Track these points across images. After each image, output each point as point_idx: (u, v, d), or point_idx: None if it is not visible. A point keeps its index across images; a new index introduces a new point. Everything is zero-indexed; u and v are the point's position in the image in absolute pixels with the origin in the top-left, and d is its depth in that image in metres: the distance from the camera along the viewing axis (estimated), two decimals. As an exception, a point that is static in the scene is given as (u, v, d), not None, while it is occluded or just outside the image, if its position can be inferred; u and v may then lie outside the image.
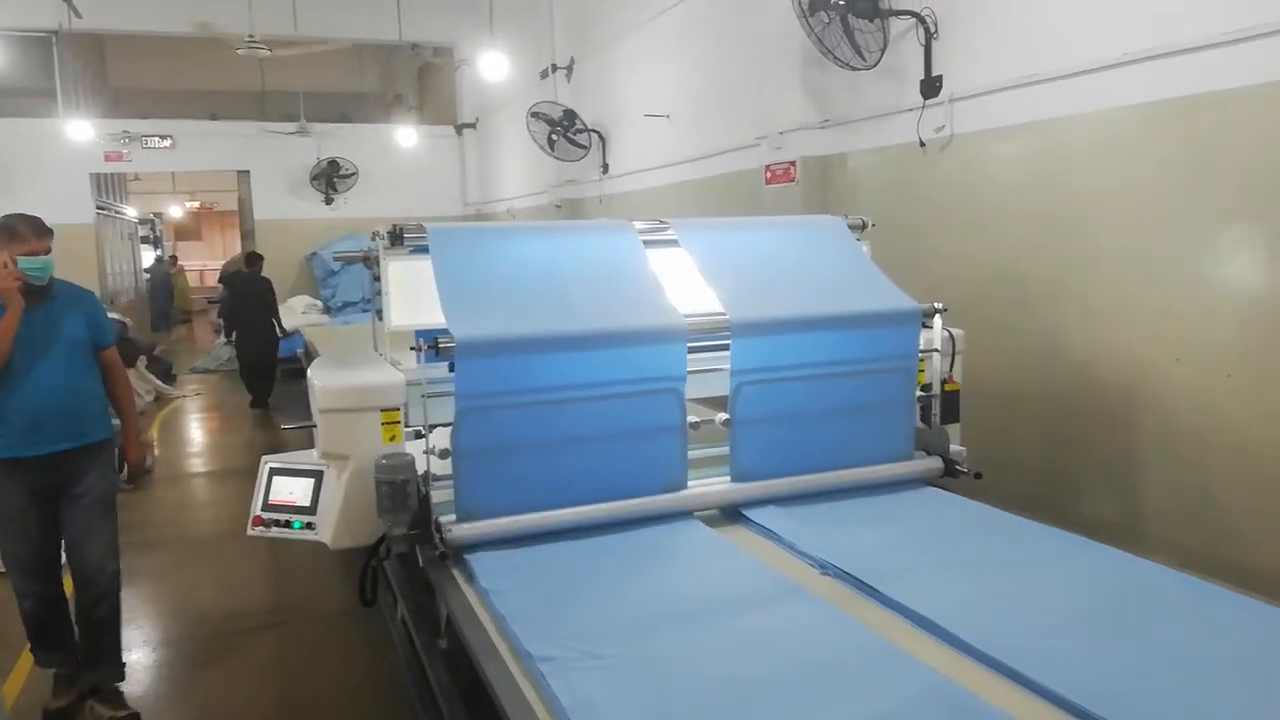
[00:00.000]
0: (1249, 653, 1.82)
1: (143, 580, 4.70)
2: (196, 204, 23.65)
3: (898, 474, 2.94)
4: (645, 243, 3.04)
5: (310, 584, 4.63)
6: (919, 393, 3.06)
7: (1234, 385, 3.07)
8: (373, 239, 2.94)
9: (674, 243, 3.09)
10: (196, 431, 9.19)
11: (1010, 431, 3.90)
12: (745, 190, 5.77)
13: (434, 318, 2.82)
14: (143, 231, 18.11)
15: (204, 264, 23.77)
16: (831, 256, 3.17)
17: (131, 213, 16.44)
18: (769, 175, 5.43)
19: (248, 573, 4.83)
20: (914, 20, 4.28)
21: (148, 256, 18.35)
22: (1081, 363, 3.64)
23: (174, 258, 20.74)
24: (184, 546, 5.40)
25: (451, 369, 2.49)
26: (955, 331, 3.14)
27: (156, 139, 12.07)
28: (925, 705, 1.65)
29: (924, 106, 4.31)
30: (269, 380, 9.78)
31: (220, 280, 16.45)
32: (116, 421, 3.37)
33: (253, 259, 10.04)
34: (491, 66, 8.90)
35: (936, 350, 3.06)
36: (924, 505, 2.83)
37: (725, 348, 2.81)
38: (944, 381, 3.10)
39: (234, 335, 9.76)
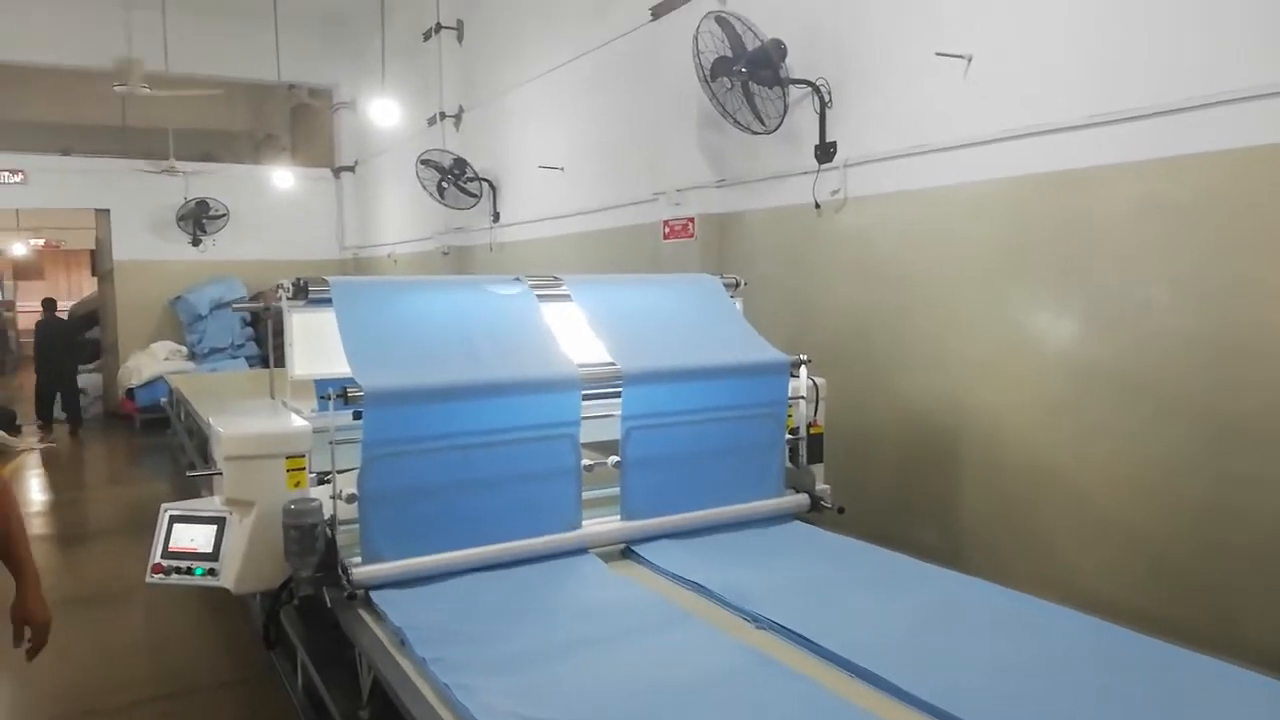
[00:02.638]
0: (1057, 653, 2.18)
1: (-1, 655, 4.40)
2: (42, 241, 22.13)
3: (771, 510, 3.25)
4: (539, 297, 3.27)
5: (193, 652, 4.32)
6: (788, 436, 3.39)
7: (1052, 428, 3.54)
8: (276, 291, 3.04)
9: (565, 297, 3.33)
10: (47, 488, 8.50)
11: (864, 470, 4.29)
12: (642, 244, 5.91)
13: (333, 367, 2.96)
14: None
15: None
16: (707, 312, 3.49)
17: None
18: (667, 230, 5.59)
19: (120, 642, 4.49)
20: (810, 89, 4.51)
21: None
22: (922, 409, 4.08)
23: (10, 301, 19.22)
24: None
25: (357, 417, 2.63)
26: (819, 380, 3.49)
27: (6, 174, 11.38)
28: (803, 710, 1.92)
29: (819, 171, 4.53)
30: (76, 409, 11.30)
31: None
32: None
33: (47, 304, 11.76)
34: (383, 113, 8.84)
35: (803, 397, 3.40)
36: (793, 538, 3.14)
37: (615, 395, 3.06)
38: (809, 425, 3.44)
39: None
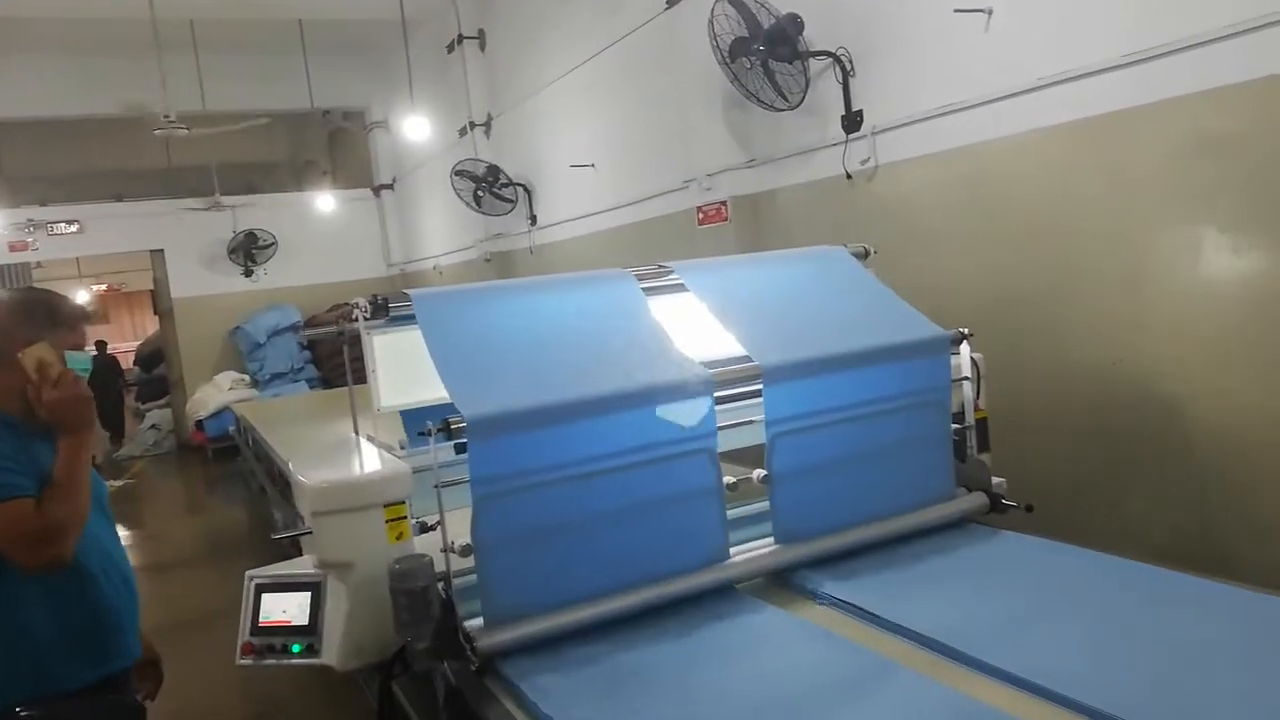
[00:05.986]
0: None
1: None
2: (103, 287, 22.53)
3: (946, 515, 2.73)
4: (645, 290, 2.80)
5: (283, 675, 4.20)
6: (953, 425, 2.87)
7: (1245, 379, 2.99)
8: (352, 312, 2.62)
9: (673, 288, 2.87)
10: (130, 521, 8.65)
11: (1022, 454, 3.74)
12: (677, 232, 5.83)
13: (418, 394, 2.57)
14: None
15: (113, 348, 22.57)
16: (845, 288, 2.98)
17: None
18: (701, 216, 5.52)
19: (214, 668, 4.36)
20: (831, 60, 4.41)
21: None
22: (1081, 378, 3.59)
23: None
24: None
25: (460, 450, 2.19)
26: (977, 356, 2.97)
27: (63, 224, 11.44)
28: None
29: (847, 141, 4.44)
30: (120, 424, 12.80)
31: (135, 361, 15.82)
32: None
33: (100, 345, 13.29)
34: (414, 129, 8.84)
35: (966, 378, 2.87)
36: (984, 549, 2.60)
37: (747, 396, 2.58)
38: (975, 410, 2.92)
39: None
